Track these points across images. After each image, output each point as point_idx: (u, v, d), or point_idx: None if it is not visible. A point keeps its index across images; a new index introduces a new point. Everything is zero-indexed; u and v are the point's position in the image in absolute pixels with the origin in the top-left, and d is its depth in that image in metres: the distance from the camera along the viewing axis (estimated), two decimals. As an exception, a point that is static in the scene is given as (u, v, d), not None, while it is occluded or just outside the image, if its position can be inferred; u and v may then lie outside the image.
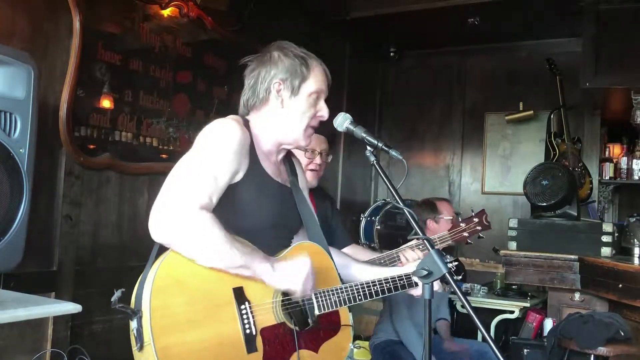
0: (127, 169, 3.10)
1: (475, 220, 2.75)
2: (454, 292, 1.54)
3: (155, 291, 1.44)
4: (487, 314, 4.15)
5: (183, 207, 1.50)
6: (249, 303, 1.56)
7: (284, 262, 1.63)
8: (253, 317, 1.55)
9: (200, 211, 1.50)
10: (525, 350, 3.64)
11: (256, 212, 1.69)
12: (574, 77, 4.30)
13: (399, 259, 2.50)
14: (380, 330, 3.35)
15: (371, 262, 2.57)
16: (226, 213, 1.58)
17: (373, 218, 4.66)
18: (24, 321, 2.19)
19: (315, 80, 1.77)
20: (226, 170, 1.60)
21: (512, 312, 4.13)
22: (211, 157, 1.60)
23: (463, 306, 1.64)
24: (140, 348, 1.45)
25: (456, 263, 2.25)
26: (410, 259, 2.40)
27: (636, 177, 4.89)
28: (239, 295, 1.55)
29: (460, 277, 2.23)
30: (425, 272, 1.51)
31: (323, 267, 1.76)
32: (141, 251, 3.21)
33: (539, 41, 5.14)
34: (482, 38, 5.23)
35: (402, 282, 1.89)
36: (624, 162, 4.97)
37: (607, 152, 5.15)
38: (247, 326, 1.54)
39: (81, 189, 2.88)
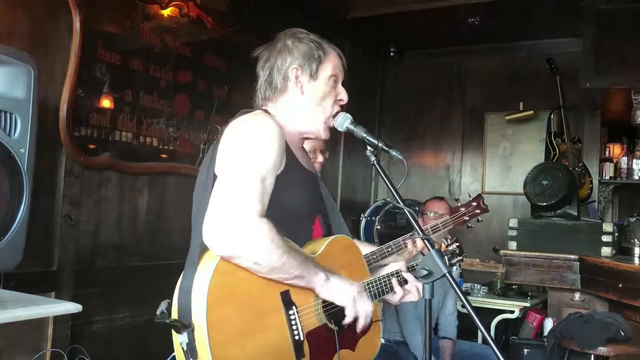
0: (127, 169, 3.10)
1: (474, 204, 2.84)
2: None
3: (211, 305, 1.38)
4: (487, 314, 4.15)
5: (243, 217, 1.43)
6: (296, 307, 1.53)
7: (338, 277, 1.60)
8: (300, 322, 1.53)
9: (261, 220, 1.44)
10: (525, 350, 3.64)
11: (296, 203, 1.65)
12: (574, 77, 4.30)
13: (408, 245, 2.50)
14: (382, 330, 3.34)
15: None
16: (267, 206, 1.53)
17: (373, 218, 4.66)
18: (24, 321, 2.19)
19: (332, 63, 1.73)
20: (273, 169, 1.55)
21: (512, 312, 4.13)
22: (258, 159, 1.52)
23: (463, 306, 1.64)
24: None
25: (457, 244, 2.23)
26: (419, 246, 2.42)
27: (636, 177, 4.89)
28: (287, 300, 1.52)
29: (461, 257, 2.25)
30: (425, 272, 1.51)
31: (354, 262, 1.74)
32: (141, 251, 3.24)
33: (539, 41, 5.13)
34: (482, 38, 5.23)
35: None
36: (624, 162, 4.96)
37: (607, 152, 5.14)
38: (295, 332, 1.51)
39: (81, 189, 2.88)
